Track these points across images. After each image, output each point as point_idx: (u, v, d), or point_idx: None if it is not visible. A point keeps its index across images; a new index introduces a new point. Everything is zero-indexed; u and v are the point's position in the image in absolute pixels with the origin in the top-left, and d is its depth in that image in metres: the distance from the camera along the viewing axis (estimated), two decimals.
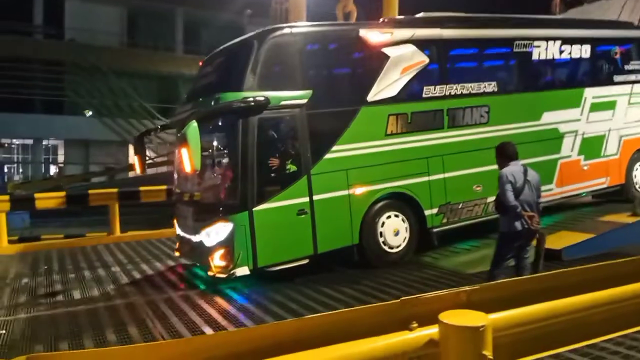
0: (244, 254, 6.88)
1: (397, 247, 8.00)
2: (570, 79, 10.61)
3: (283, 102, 7.20)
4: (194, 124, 6.47)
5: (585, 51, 10.22)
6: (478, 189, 8.73)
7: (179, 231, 8.25)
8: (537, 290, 2.95)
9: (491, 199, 8.69)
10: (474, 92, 8.82)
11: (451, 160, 8.50)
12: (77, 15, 32.74)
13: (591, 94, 10.18)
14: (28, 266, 9.38)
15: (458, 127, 8.64)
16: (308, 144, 7.36)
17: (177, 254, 8.45)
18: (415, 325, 2.51)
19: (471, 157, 8.66)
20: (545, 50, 9.71)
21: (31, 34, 33.50)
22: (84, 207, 14.17)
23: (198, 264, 7.99)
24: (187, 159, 6.51)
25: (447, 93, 8.56)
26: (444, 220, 8.49)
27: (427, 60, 8.38)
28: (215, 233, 7.05)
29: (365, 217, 7.76)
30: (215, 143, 7.66)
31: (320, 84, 7.70)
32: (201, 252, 7.33)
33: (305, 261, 7.35)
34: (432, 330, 2.51)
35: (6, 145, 31.79)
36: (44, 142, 35.56)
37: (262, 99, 6.95)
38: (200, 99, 7.66)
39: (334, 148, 7.58)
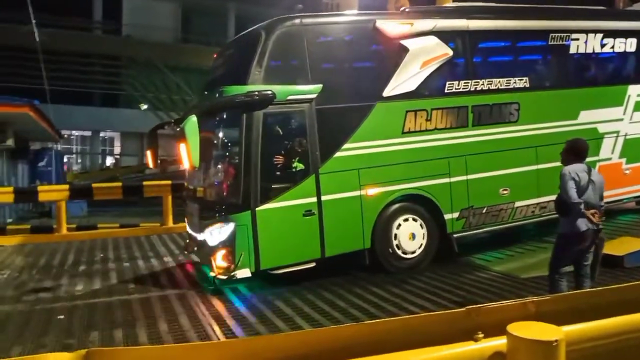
0: (245, 255, 6.60)
1: (413, 252, 7.52)
2: (612, 74, 9.75)
3: (290, 97, 6.85)
4: (192, 118, 6.31)
5: (630, 44, 9.36)
6: (504, 192, 8.12)
7: (188, 228, 8.09)
8: (613, 302, 2.76)
9: (519, 203, 8.18)
10: (502, 87, 8.19)
11: (475, 161, 7.92)
12: (135, 11, 33.80)
13: (636, 91, 9.34)
14: (85, 254, 9.65)
15: (484, 125, 8.04)
16: (317, 141, 6.99)
17: (185, 251, 8.29)
18: (481, 335, 2.43)
19: (498, 158, 8.08)
20: (585, 44, 8.91)
21: (91, 29, 34.81)
22: (140, 198, 14.58)
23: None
24: (185, 155, 6.35)
25: (473, 88, 7.98)
26: (466, 226, 7.94)
27: (450, 53, 7.82)
28: (217, 232, 6.80)
29: (378, 219, 7.33)
30: (219, 138, 7.35)
31: (332, 77, 7.28)
32: (205, 251, 7.13)
33: (312, 264, 7.00)
34: (499, 342, 2.42)
35: (66, 136, 32.93)
36: (102, 134, 36.96)
37: (268, 92, 6.65)
38: (206, 92, 7.45)
39: (345, 146, 7.17)
